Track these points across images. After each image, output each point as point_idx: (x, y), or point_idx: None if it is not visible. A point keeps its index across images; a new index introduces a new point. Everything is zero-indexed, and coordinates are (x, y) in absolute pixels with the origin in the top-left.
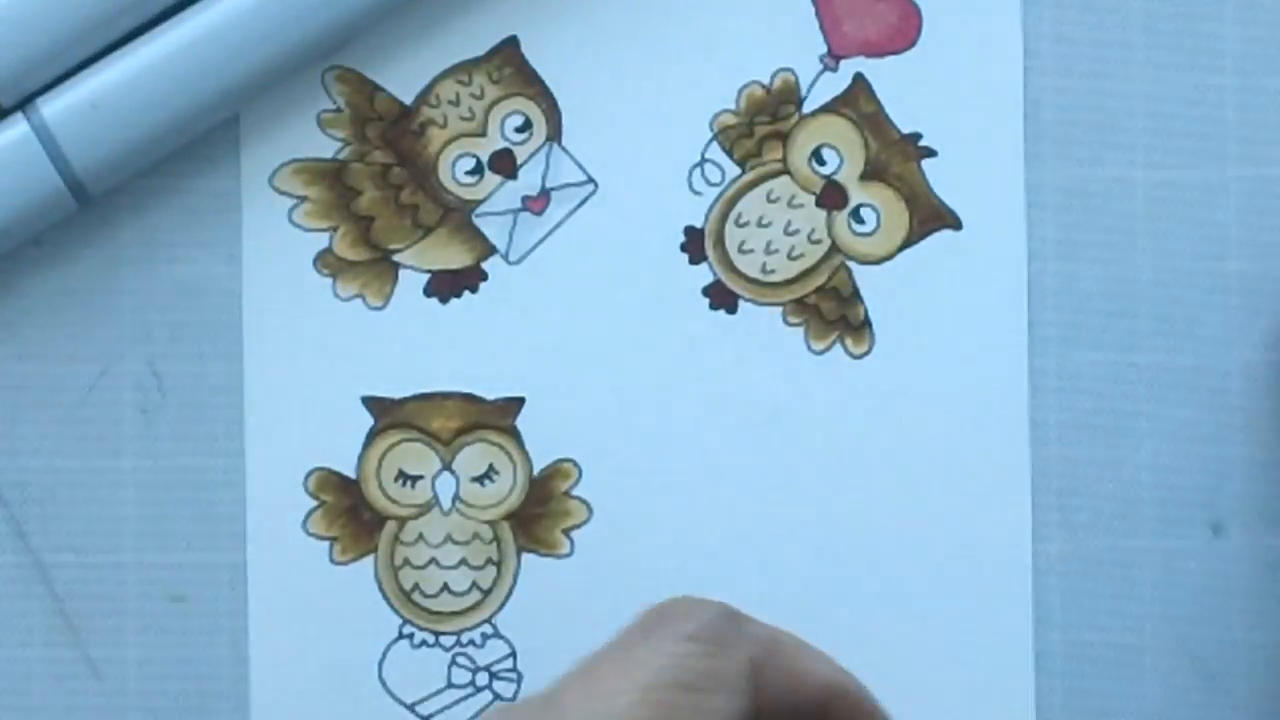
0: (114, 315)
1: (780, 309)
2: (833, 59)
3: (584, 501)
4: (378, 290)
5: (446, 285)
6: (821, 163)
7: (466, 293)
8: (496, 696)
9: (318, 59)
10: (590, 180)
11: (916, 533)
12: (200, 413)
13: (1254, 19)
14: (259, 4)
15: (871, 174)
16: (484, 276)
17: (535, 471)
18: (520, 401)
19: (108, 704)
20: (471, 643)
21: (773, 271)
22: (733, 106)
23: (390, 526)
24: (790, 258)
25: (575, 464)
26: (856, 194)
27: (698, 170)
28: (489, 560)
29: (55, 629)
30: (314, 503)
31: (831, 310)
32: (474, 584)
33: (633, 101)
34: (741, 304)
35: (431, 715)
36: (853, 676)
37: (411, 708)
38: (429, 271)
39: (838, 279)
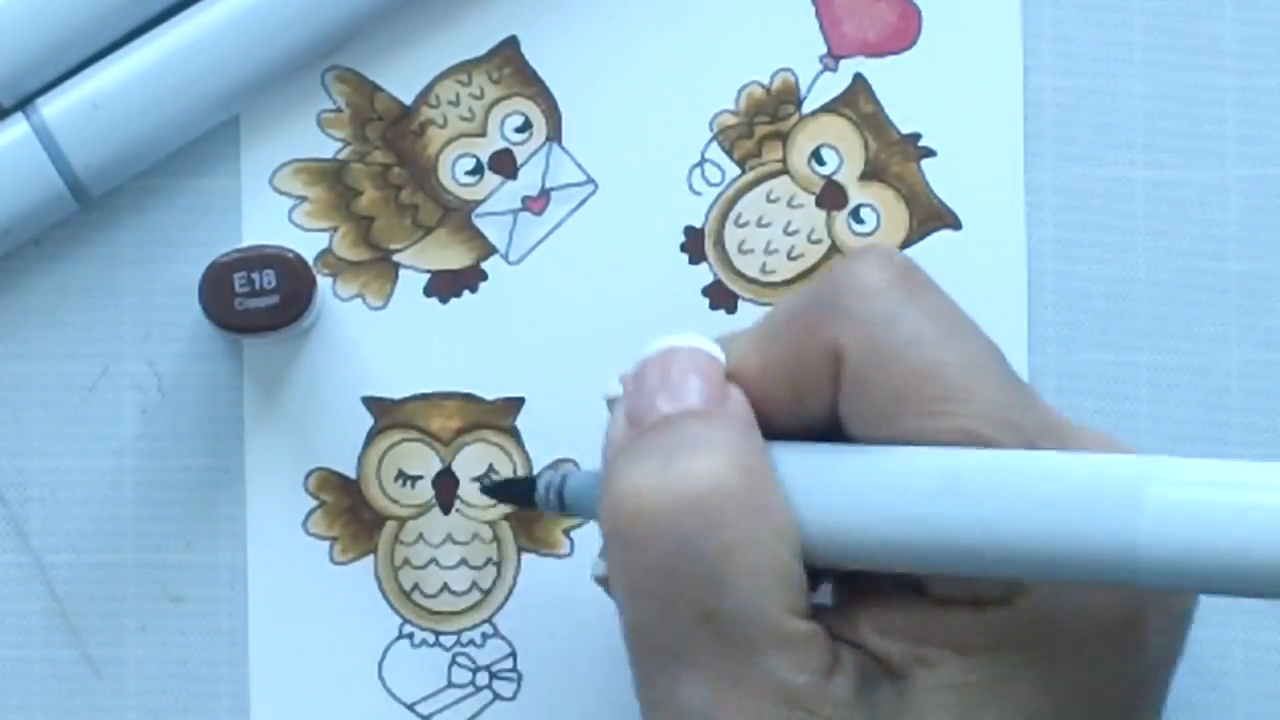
0: (114, 315)
1: None
2: (832, 59)
3: None
4: (378, 290)
5: (446, 285)
6: (821, 163)
7: (466, 293)
8: (496, 696)
9: (317, 59)
10: (590, 180)
11: None
12: (200, 412)
13: (1254, 18)
14: (259, 4)
15: (871, 174)
16: (484, 276)
17: (535, 471)
18: (520, 401)
19: (107, 703)
20: (472, 642)
21: (772, 271)
22: (732, 106)
23: (390, 526)
24: (790, 258)
25: (575, 464)
26: (856, 194)
27: (697, 170)
28: (489, 560)
29: (55, 629)
30: (314, 502)
31: None
32: (474, 584)
33: (632, 101)
34: (741, 304)
35: (431, 715)
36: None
37: (411, 707)
38: (429, 271)
39: None
